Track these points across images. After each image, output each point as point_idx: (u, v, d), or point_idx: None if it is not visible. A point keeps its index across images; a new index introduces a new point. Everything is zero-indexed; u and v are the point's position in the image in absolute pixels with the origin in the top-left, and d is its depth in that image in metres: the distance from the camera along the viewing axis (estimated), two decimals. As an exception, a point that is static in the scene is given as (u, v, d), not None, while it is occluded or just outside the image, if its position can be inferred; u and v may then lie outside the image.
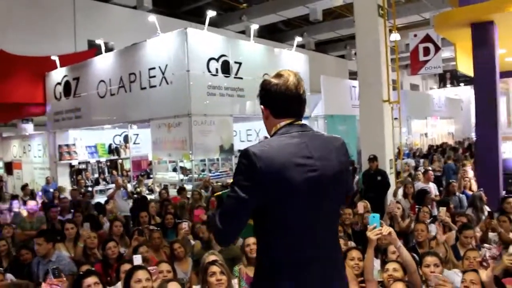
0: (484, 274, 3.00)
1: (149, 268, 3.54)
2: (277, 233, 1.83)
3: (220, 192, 2.01)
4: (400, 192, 7.99)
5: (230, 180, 2.06)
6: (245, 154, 1.78)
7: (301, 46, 18.38)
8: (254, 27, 11.08)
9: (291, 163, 1.78)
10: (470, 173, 9.24)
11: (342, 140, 2.02)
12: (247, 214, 1.81)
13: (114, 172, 13.27)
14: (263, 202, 1.77)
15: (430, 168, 10.15)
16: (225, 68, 8.81)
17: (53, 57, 11.64)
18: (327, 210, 1.90)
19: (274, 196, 1.76)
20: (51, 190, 10.97)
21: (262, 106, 1.97)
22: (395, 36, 10.20)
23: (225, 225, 1.80)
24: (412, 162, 13.94)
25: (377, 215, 3.14)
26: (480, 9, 8.12)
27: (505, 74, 13.88)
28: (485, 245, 3.21)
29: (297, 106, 1.95)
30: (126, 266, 3.75)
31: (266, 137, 2.11)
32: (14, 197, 10.17)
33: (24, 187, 11.12)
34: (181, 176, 9.70)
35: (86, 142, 12.63)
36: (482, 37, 8.51)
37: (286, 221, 1.82)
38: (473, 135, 20.93)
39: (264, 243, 1.90)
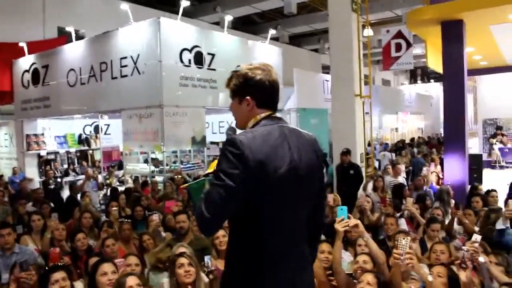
0: (463, 275, 3.06)
1: (116, 260, 3.50)
2: (253, 226, 1.85)
3: (187, 184, 2.02)
4: (370, 186, 8.12)
5: (201, 172, 2.08)
6: (232, 142, 1.79)
7: (275, 39, 18.37)
8: (228, 18, 11.02)
9: (275, 155, 1.82)
10: (437, 167, 9.50)
11: (315, 137, 2.07)
12: (235, 203, 1.80)
13: (84, 163, 13.05)
14: (247, 192, 1.78)
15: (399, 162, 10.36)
16: (198, 59, 8.74)
17: (21, 44, 11.32)
18: (303, 204, 1.94)
19: (257, 186, 1.78)
20: (17, 181, 10.70)
21: (248, 97, 1.96)
22: (368, 32, 10.31)
23: (212, 214, 1.76)
24: (389, 155, 14.21)
25: (345, 208, 3.19)
26: (450, 7, 8.30)
27: (473, 72, 14.26)
28: (463, 247, 3.27)
29: (276, 98, 2.02)
30: (95, 260, 3.69)
31: (232, 128, 2.11)
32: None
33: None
34: (152, 168, 9.62)
35: (55, 132, 12.35)
36: (452, 35, 8.70)
37: (263, 213, 1.84)
38: (441, 131, 21.44)
39: (239, 235, 1.92)
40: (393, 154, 14.59)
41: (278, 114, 2.05)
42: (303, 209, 1.95)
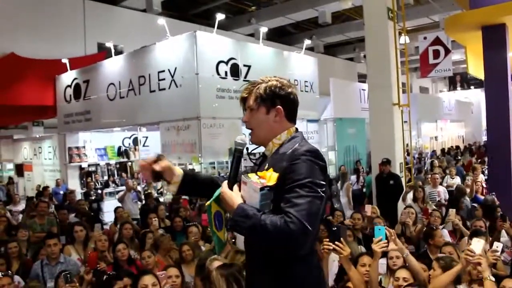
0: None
1: (157, 273, 3.52)
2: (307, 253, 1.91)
3: (209, 201, 1.92)
4: (410, 196, 7.93)
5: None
6: (317, 153, 1.83)
7: (310, 49, 18.35)
8: (263, 30, 11.08)
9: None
10: (481, 177, 9.18)
11: None
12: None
13: (124, 174, 13.33)
14: None
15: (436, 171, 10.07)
16: (234, 71, 8.81)
17: (63, 60, 11.71)
18: None
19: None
20: (61, 192, 11.02)
21: (278, 106, 1.95)
22: (405, 39, 10.14)
23: (314, 226, 1.67)
24: (436, 163, 13.88)
25: (383, 228, 3.15)
26: (491, 11, 8.08)
27: (517, 77, 13.76)
28: (496, 253, 3.18)
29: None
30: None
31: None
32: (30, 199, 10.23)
33: (45, 189, 11.12)
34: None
35: (95, 145, 12.68)
36: (493, 39, 8.47)
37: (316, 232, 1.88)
38: (484, 139, 20.77)
39: (290, 270, 1.85)
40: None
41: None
42: None
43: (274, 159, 1.88)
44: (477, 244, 3.07)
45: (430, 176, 9.20)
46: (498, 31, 8.41)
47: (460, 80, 31.14)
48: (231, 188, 1.81)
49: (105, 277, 3.88)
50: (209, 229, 2.17)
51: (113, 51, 10.59)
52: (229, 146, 8.67)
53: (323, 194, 1.73)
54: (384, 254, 4.06)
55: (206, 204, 1.95)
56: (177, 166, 7.90)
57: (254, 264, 1.95)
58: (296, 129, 2.02)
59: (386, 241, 3.10)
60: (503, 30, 8.39)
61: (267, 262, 1.85)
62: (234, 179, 1.86)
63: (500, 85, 8.48)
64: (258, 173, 1.81)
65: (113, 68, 10.23)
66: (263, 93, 1.95)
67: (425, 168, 13.31)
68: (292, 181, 1.72)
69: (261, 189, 1.71)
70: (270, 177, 1.76)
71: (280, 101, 1.95)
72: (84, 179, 12.27)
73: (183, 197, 8.66)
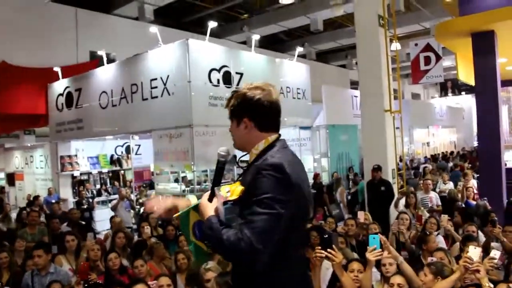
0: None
1: (149, 283, 3.51)
2: (283, 250, 1.78)
3: (179, 213, 1.91)
4: (402, 202, 7.95)
5: (190, 197, 1.94)
6: (279, 168, 1.71)
7: (302, 56, 18.41)
8: (255, 37, 11.12)
9: (304, 178, 1.84)
10: (473, 182, 9.23)
11: None
12: (282, 232, 1.70)
13: (116, 183, 13.27)
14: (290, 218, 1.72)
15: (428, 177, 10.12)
16: (227, 78, 8.82)
17: (55, 68, 11.68)
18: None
19: (297, 210, 1.75)
20: (53, 201, 10.95)
21: (245, 119, 1.89)
22: (396, 46, 10.22)
23: (266, 245, 1.62)
24: (430, 167, 13.97)
25: (377, 237, 3.16)
26: (480, 18, 8.16)
27: (507, 83, 13.90)
28: (494, 260, 3.22)
29: (279, 119, 1.95)
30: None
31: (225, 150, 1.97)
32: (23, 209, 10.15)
33: (36, 198, 11.04)
34: (183, 187, 9.68)
35: (88, 153, 12.63)
36: (483, 46, 8.54)
37: (292, 238, 1.79)
38: (475, 144, 20.92)
39: (267, 277, 1.79)
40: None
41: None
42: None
43: (250, 169, 1.86)
44: (474, 251, 3.11)
45: (422, 182, 9.25)
46: (487, 37, 8.49)
47: (451, 86, 31.33)
48: (211, 199, 1.81)
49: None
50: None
51: (105, 59, 10.58)
52: (222, 154, 8.66)
53: (281, 211, 1.65)
54: (377, 262, 4.08)
55: (178, 214, 1.94)
56: (169, 174, 7.77)
57: (233, 274, 1.96)
58: (278, 136, 1.92)
59: (380, 250, 3.11)
60: (492, 36, 8.47)
61: (238, 274, 1.89)
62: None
63: (490, 91, 8.54)
64: (230, 185, 1.84)
65: (105, 76, 10.21)
66: (232, 105, 1.93)
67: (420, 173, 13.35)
68: (252, 197, 1.69)
69: (224, 203, 1.74)
70: (234, 191, 1.77)
71: (248, 113, 1.88)
72: (76, 188, 12.20)
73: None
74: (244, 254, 1.62)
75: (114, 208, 8.83)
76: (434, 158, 18.47)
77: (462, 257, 3.23)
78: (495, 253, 3.28)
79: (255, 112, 1.87)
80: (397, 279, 3.44)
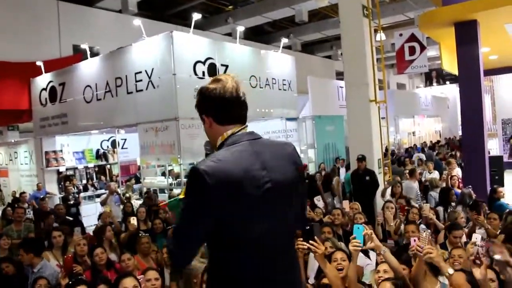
0: (478, 272, 3.00)
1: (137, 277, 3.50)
2: (233, 250, 1.74)
3: (167, 201, 1.96)
4: (388, 191, 8.04)
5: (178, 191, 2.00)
6: (194, 173, 1.68)
7: (287, 47, 18.41)
8: (240, 29, 11.08)
9: (245, 176, 1.69)
10: (457, 170, 9.36)
11: (293, 146, 1.96)
12: (201, 236, 1.74)
13: (103, 177, 13.19)
14: (219, 219, 1.68)
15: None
16: (212, 70, 8.79)
17: (38, 63, 11.52)
18: (285, 223, 1.82)
19: (231, 212, 1.68)
20: (42, 196, 10.86)
21: (203, 115, 1.87)
22: (381, 36, 10.25)
23: (179, 248, 1.74)
24: (423, 156, 14.11)
25: (362, 227, 3.15)
26: (463, 8, 8.24)
27: (489, 72, 14.07)
28: (477, 242, 3.22)
29: (239, 110, 1.85)
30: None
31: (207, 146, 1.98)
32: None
33: (21, 194, 10.91)
34: (170, 180, 9.66)
35: (73, 148, 12.51)
36: (466, 35, 8.63)
37: (243, 237, 1.72)
38: (460, 133, 21.18)
39: (218, 259, 1.80)
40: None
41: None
42: (287, 225, 1.84)
43: None
44: (424, 235, 3.09)
45: (408, 171, 9.35)
46: (470, 27, 8.58)
47: (436, 76, 31.65)
48: None
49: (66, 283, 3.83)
50: None
51: (88, 52, 10.46)
52: (208, 147, 8.64)
53: (193, 216, 1.69)
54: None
55: (167, 202, 2.01)
56: (156, 167, 7.76)
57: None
58: (237, 131, 1.83)
59: (359, 240, 3.12)
60: (474, 26, 8.56)
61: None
62: None
63: (473, 80, 8.65)
64: None
65: (89, 70, 10.11)
66: (195, 104, 1.91)
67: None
68: None
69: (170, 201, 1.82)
70: (183, 190, 1.80)
71: (205, 109, 1.86)
72: (62, 183, 12.09)
73: (161, 199, 8.63)
74: (168, 253, 1.77)
75: (103, 203, 8.78)
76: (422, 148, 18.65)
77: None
78: (476, 237, 3.31)
79: (210, 107, 1.84)
80: (384, 266, 3.50)
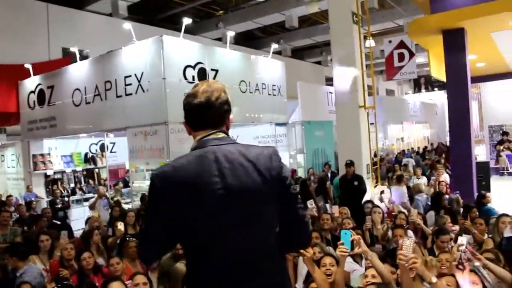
0: (461, 277, 3.04)
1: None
2: (195, 254, 1.78)
3: None
4: (377, 197, 8.09)
5: None
6: (151, 178, 1.76)
7: (277, 52, 18.50)
8: (231, 34, 11.11)
9: (197, 182, 1.71)
10: (445, 176, 9.44)
11: (271, 152, 1.84)
12: (159, 236, 1.78)
13: (91, 181, 13.10)
14: (174, 222, 1.73)
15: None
16: (202, 75, 8.79)
17: (26, 65, 11.42)
18: (253, 232, 1.75)
19: (184, 216, 1.71)
20: (33, 198, 10.75)
21: (184, 122, 1.92)
22: (370, 43, 10.35)
23: (141, 246, 1.90)
24: (412, 161, 14.20)
25: (349, 232, 3.15)
26: (451, 16, 8.34)
27: (477, 79, 14.25)
28: (460, 248, 3.25)
29: (208, 114, 1.83)
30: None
31: None
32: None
33: (8, 198, 10.75)
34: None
35: (61, 152, 12.42)
36: (453, 43, 8.73)
37: (201, 242, 1.75)
38: (448, 139, 21.37)
39: (187, 262, 1.86)
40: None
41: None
42: (256, 234, 1.76)
43: None
44: (407, 244, 2.99)
45: (396, 177, 9.41)
46: (458, 35, 8.69)
47: (424, 82, 31.90)
48: None
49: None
50: None
51: (78, 56, 10.42)
52: (197, 151, 8.63)
53: (150, 217, 1.82)
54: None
55: None
56: (145, 171, 7.71)
57: None
58: (203, 137, 1.84)
59: (346, 247, 3.14)
60: (462, 34, 8.67)
61: None
62: None
63: (461, 86, 8.75)
64: None
65: (78, 73, 10.06)
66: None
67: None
68: None
69: None
70: None
71: (184, 114, 1.90)
72: (50, 187, 11.99)
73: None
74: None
75: (92, 207, 8.73)
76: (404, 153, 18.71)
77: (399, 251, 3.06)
78: (462, 240, 3.33)
79: (184, 113, 1.89)
80: (372, 271, 3.52)
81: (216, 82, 1.91)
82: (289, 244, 1.93)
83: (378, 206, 6.68)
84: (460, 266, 3.09)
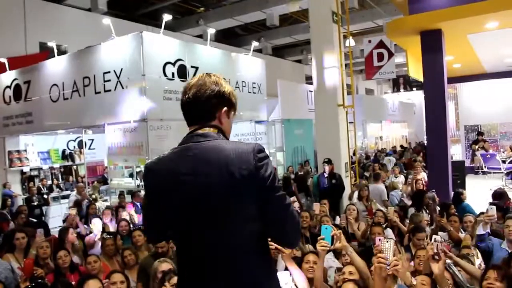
0: (436, 267, 3.09)
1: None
2: (179, 253, 1.88)
3: None
4: (356, 195, 8.18)
5: None
6: (144, 169, 1.90)
7: (258, 50, 18.51)
8: (211, 31, 11.08)
9: (169, 179, 1.76)
10: (423, 174, 9.60)
11: (250, 149, 1.74)
12: (154, 220, 1.90)
13: (71, 178, 12.93)
14: (161, 212, 1.83)
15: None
16: (182, 72, 8.76)
17: (2, 60, 11.20)
18: (221, 229, 1.73)
19: (162, 209, 1.81)
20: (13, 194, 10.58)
21: None
22: (349, 42, 10.45)
23: (144, 228, 2.19)
24: (393, 160, 14.38)
25: (330, 228, 3.11)
26: (428, 17, 8.46)
27: (453, 80, 14.50)
28: (437, 238, 3.29)
29: (194, 110, 1.85)
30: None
31: None
32: None
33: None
34: (138, 182, 9.56)
35: (38, 148, 12.23)
36: (431, 44, 8.86)
37: (176, 236, 1.87)
38: (425, 138, 21.70)
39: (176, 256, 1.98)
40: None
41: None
42: (221, 230, 1.73)
43: None
44: (387, 245, 2.92)
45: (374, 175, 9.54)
46: (435, 36, 8.82)
47: (403, 82, 32.34)
48: None
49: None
50: None
51: (56, 51, 10.26)
52: (177, 148, 8.60)
53: (144, 200, 1.97)
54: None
55: None
56: (123, 168, 7.66)
57: None
58: (190, 132, 1.85)
59: (327, 242, 3.13)
60: (439, 35, 8.81)
61: None
62: None
63: (437, 87, 8.89)
64: None
65: (56, 68, 9.91)
66: None
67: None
68: None
69: None
70: None
71: None
72: (26, 184, 11.79)
73: (128, 201, 8.53)
74: None
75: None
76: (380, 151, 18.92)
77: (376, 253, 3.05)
78: (436, 238, 3.36)
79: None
80: (350, 268, 3.56)
81: (210, 75, 1.92)
82: (278, 241, 2.07)
83: (352, 204, 6.78)
84: (436, 257, 3.14)
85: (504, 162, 12.99)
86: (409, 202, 7.81)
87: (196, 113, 1.85)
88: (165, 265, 3.71)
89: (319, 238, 3.18)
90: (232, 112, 1.94)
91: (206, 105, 1.84)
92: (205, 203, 1.71)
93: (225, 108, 1.88)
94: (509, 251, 4.27)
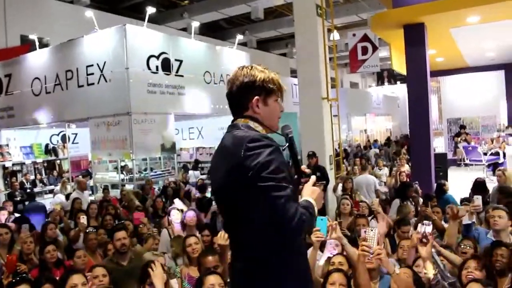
0: (424, 250, 3.13)
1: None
2: None
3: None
4: (340, 187, 8.24)
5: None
6: None
7: (242, 44, 18.44)
8: (196, 24, 11.04)
9: (214, 160, 1.99)
10: (406, 167, 9.73)
11: (244, 137, 1.74)
12: None
13: (55, 172, 12.78)
14: None
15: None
16: (166, 65, 8.72)
17: (-18, 53, 11.05)
18: (237, 228, 1.85)
19: None
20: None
21: None
22: (333, 36, 10.46)
23: None
24: (377, 151, 14.51)
25: (325, 218, 3.03)
26: (411, 11, 8.52)
27: (436, 73, 14.66)
28: (425, 221, 3.33)
29: (230, 103, 1.95)
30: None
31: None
32: None
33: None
34: (122, 176, 9.51)
35: (20, 143, 12.06)
36: (414, 38, 8.93)
37: None
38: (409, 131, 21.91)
39: None
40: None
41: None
42: (237, 231, 1.86)
43: None
44: (371, 234, 2.94)
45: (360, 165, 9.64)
46: (418, 30, 8.89)
47: (387, 75, 32.58)
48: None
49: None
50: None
51: (37, 43, 10.14)
52: (161, 142, 8.59)
53: None
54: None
55: None
56: (108, 163, 7.62)
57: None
58: (230, 124, 1.96)
59: (322, 233, 3.13)
60: (422, 29, 8.89)
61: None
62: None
63: (421, 80, 8.97)
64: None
65: (38, 61, 9.79)
66: None
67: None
68: None
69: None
70: None
71: None
72: (8, 179, 11.64)
73: (112, 195, 8.48)
74: None
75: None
76: (365, 146, 19.10)
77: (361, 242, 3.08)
78: (424, 222, 3.38)
79: None
80: (339, 258, 3.58)
81: (243, 68, 1.94)
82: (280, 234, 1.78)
83: (346, 198, 6.81)
84: (424, 240, 3.17)
85: (485, 154, 13.20)
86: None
87: (232, 107, 1.95)
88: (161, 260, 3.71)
89: (314, 229, 3.17)
90: (273, 98, 1.95)
91: (237, 98, 1.91)
92: (219, 199, 1.97)
93: (256, 97, 1.88)
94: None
